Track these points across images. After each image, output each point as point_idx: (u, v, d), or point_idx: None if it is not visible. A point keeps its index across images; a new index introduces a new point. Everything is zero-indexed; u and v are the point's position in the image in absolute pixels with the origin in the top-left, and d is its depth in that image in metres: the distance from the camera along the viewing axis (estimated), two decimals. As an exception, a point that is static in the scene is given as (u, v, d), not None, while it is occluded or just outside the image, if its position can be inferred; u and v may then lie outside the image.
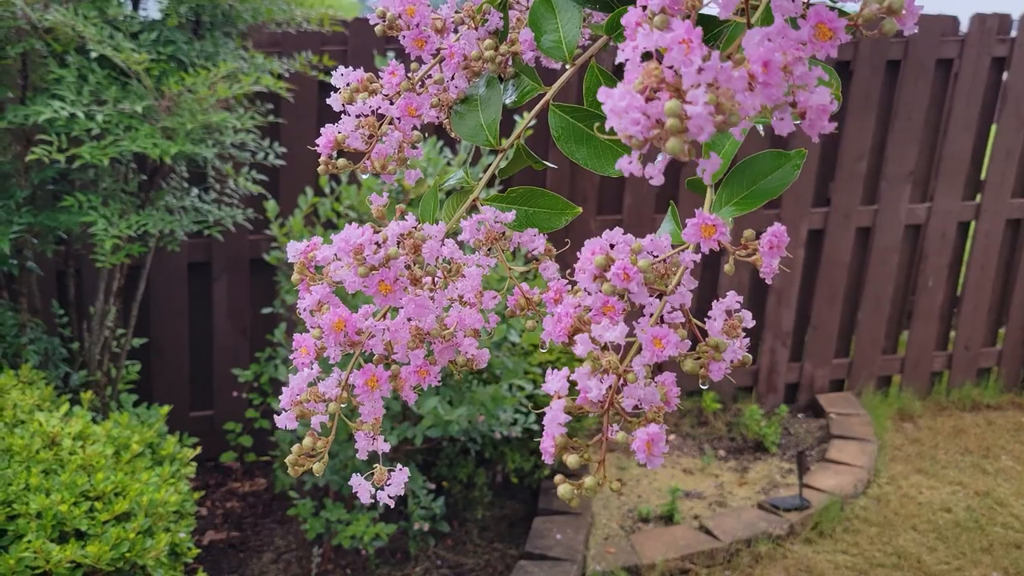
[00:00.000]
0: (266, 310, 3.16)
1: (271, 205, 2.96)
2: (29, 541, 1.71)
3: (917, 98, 3.98)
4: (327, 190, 2.98)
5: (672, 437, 3.92)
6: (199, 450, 2.37)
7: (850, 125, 3.94)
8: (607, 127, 0.46)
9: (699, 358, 0.58)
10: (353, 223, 0.63)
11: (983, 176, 4.22)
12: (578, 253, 0.59)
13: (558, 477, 0.56)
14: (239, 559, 3.01)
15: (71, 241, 2.77)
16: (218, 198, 2.91)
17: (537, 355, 3.05)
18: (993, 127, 4.19)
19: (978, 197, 4.21)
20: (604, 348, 0.56)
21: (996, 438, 4.01)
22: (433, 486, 3.02)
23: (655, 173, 0.48)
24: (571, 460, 0.55)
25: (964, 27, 4.01)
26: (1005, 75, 4.12)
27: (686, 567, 3.04)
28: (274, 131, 3.15)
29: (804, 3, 0.49)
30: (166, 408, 2.48)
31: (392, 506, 0.66)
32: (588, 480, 0.56)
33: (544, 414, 0.57)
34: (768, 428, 3.84)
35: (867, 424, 3.96)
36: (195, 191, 2.82)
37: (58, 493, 1.80)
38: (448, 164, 2.94)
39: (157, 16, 2.62)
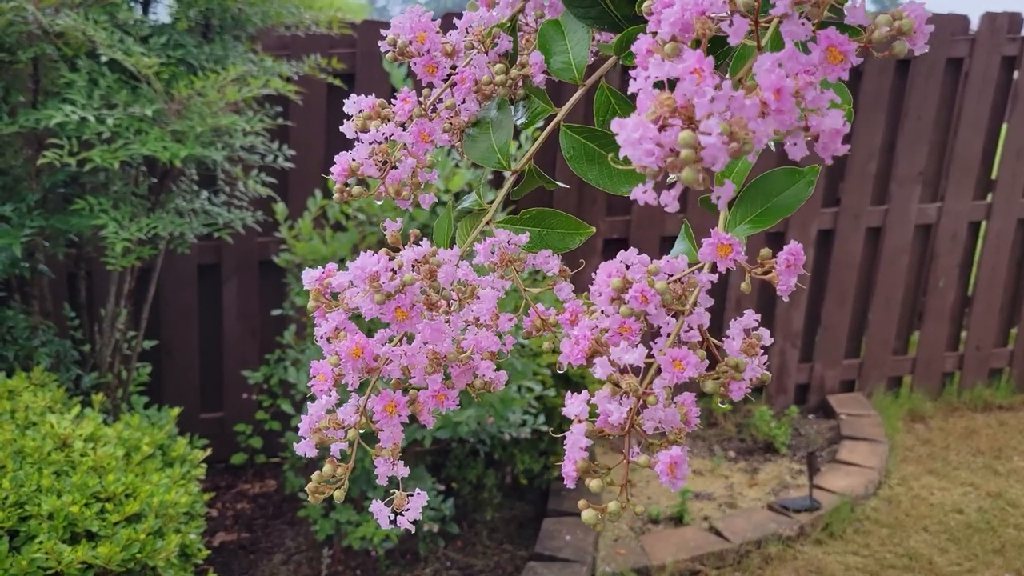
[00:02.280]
0: (276, 312, 3.17)
1: (280, 207, 2.97)
2: (41, 542, 1.72)
3: (927, 98, 3.96)
4: (336, 192, 2.99)
5: (682, 438, 3.91)
6: (209, 452, 2.38)
7: (860, 125, 3.92)
8: (621, 156, 0.46)
9: (718, 378, 0.58)
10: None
11: (994, 176, 4.20)
12: (593, 274, 0.58)
13: (582, 502, 0.56)
14: (249, 560, 3.02)
15: (82, 244, 2.79)
16: (227, 201, 2.92)
17: (546, 356, 3.05)
18: (1004, 126, 4.17)
19: (989, 197, 4.19)
20: (623, 371, 0.56)
21: (1008, 439, 3.99)
22: (442, 487, 3.02)
23: (670, 201, 0.47)
24: (593, 485, 0.55)
25: (974, 26, 3.99)
26: (1016, 74, 4.10)
27: (696, 568, 3.04)
28: (283, 134, 3.16)
29: (814, 25, 0.48)
30: (176, 410, 2.49)
31: (412, 528, 0.66)
32: (612, 505, 0.55)
33: (553, 433, 0.57)
34: (778, 429, 3.83)
35: (878, 425, 3.94)
36: (205, 194, 2.83)
37: (69, 494, 1.81)
38: (456, 166, 2.94)
39: (167, 20, 2.63)
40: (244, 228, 2.89)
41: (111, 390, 2.76)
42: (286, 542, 3.12)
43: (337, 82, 3.05)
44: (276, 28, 2.88)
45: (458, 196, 2.88)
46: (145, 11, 2.67)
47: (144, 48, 2.35)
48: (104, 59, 2.31)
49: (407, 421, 0.66)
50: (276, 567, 2.99)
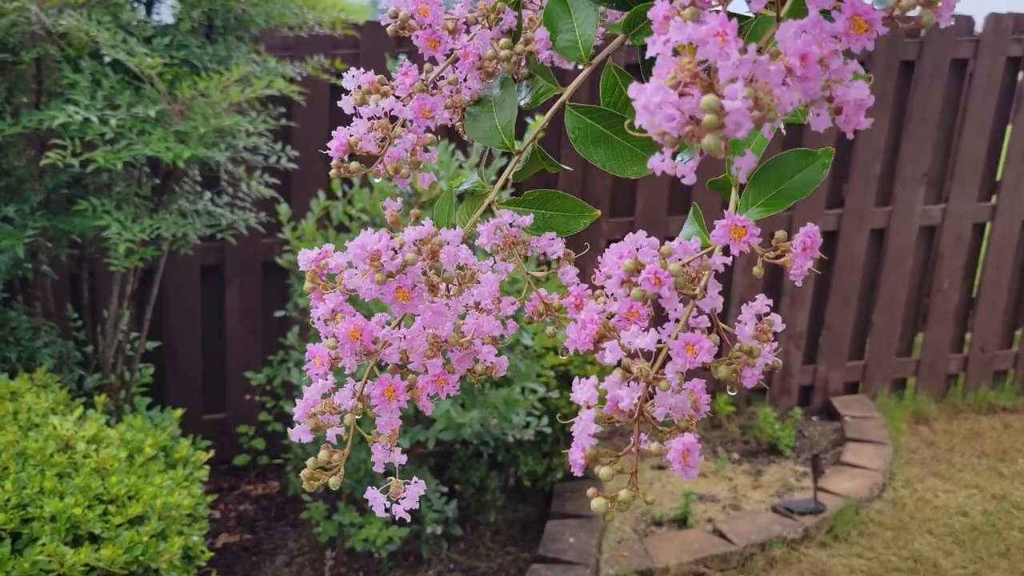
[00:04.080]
0: (279, 313, 3.16)
1: (283, 209, 2.96)
2: (43, 544, 1.72)
3: (932, 99, 3.95)
4: (339, 193, 2.98)
5: (685, 440, 3.91)
6: (212, 453, 2.37)
7: (864, 126, 3.91)
8: (637, 124, 0.44)
9: (731, 364, 0.56)
10: (368, 229, 0.63)
11: (998, 177, 4.19)
12: (599, 258, 0.57)
13: (591, 491, 0.54)
14: (252, 562, 3.02)
15: (85, 245, 2.78)
16: (231, 202, 2.91)
17: (550, 358, 3.04)
18: (1008, 127, 4.16)
19: (993, 198, 4.18)
20: (633, 356, 0.54)
21: (1013, 441, 3.97)
22: (446, 489, 3.01)
23: (687, 172, 0.46)
24: (603, 472, 0.53)
25: (979, 27, 3.98)
26: (1020, 75, 4.09)
27: (700, 571, 3.03)
28: (286, 135, 3.15)
29: None
30: (179, 411, 2.49)
31: (408, 517, 0.65)
32: (623, 493, 0.53)
33: (561, 420, 0.56)
34: (782, 431, 3.81)
35: (882, 427, 3.93)
36: (208, 195, 2.83)
37: (72, 496, 1.81)
38: (460, 167, 2.94)
39: (170, 20, 2.63)
40: (247, 229, 2.88)
41: (114, 391, 2.76)
42: (289, 544, 3.11)
43: (340, 83, 3.04)
44: (279, 29, 2.88)
45: (462, 198, 2.87)
46: (148, 12, 2.66)
47: (147, 49, 2.35)
48: (107, 60, 2.31)
49: (405, 407, 0.65)
50: (279, 569, 2.98)
